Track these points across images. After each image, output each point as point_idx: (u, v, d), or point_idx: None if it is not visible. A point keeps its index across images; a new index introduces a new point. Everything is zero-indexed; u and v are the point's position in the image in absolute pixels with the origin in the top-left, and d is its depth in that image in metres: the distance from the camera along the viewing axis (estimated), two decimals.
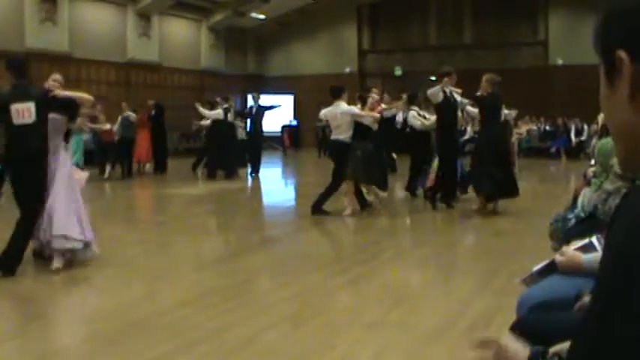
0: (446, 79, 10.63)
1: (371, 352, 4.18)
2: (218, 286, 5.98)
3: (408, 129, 12.74)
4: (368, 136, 10.23)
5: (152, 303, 5.45)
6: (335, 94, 10.24)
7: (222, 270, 6.82)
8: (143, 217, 11.58)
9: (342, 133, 10.12)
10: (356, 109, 10.22)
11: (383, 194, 10.64)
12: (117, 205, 13.14)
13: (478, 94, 10.35)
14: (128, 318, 4.97)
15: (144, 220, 10.91)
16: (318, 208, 10.19)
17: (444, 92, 10.60)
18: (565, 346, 2.04)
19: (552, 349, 1.99)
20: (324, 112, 10.48)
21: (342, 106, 10.14)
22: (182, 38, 29.14)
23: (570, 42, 27.19)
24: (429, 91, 10.76)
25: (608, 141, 5.22)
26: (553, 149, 24.66)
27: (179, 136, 25.84)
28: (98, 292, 5.86)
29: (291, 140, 30.01)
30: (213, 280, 6.34)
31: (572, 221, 4.97)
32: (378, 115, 10.41)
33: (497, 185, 9.92)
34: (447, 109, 10.74)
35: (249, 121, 18.06)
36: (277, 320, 4.91)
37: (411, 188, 12.31)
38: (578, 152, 23.73)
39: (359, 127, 10.14)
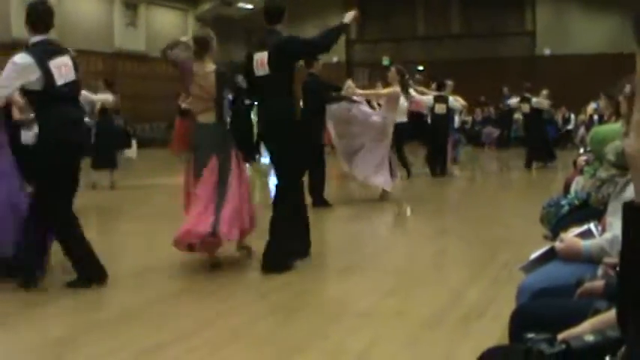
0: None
1: (364, 342, 4.14)
2: (208, 277, 5.92)
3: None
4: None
5: (142, 293, 5.39)
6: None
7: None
8: (127, 210, 11.44)
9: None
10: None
11: None
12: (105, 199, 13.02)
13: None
14: (119, 309, 4.91)
15: (133, 215, 10.79)
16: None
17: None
18: (573, 332, 2.01)
19: (560, 336, 1.96)
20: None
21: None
22: (169, 28, 28.92)
23: (558, 32, 27.22)
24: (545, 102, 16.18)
25: (600, 129, 5.19)
26: None
27: (166, 126, 25.62)
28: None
29: None
30: (204, 270, 6.27)
31: (566, 208, 4.95)
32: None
33: None
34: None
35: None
36: (269, 310, 4.87)
37: None
38: (565, 141, 23.78)
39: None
